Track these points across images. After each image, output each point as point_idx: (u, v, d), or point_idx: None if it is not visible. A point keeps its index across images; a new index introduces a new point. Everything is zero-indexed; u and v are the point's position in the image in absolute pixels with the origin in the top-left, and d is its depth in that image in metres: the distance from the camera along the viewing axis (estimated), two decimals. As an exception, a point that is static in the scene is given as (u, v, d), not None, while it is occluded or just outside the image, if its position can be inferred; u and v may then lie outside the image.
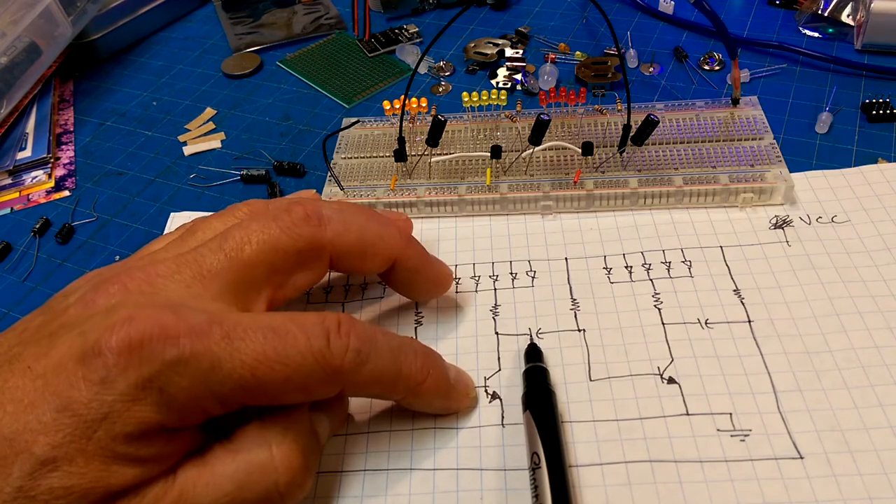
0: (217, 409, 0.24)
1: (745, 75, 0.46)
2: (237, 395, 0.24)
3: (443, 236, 0.39)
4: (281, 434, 0.25)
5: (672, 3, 0.53)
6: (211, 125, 0.50)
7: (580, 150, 0.39)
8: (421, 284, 0.33)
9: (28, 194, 0.47)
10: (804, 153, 0.41)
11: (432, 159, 0.41)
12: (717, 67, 0.49)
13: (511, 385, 0.31)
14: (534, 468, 0.26)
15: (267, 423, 0.25)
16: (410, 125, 0.44)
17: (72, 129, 0.52)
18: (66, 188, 0.47)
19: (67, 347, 0.23)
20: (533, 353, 0.31)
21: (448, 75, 0.52)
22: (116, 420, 0.22)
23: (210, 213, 0.31)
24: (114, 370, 0.22)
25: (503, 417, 0.30)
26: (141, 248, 0.31)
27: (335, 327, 0.25)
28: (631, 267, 0.36)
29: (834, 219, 0.37)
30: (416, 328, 0.34)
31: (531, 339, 0.33)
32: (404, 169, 0.41)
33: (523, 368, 0.31)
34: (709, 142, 0.40)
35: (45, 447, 0.22)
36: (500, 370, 0.32)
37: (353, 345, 0.25)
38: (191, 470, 0.24)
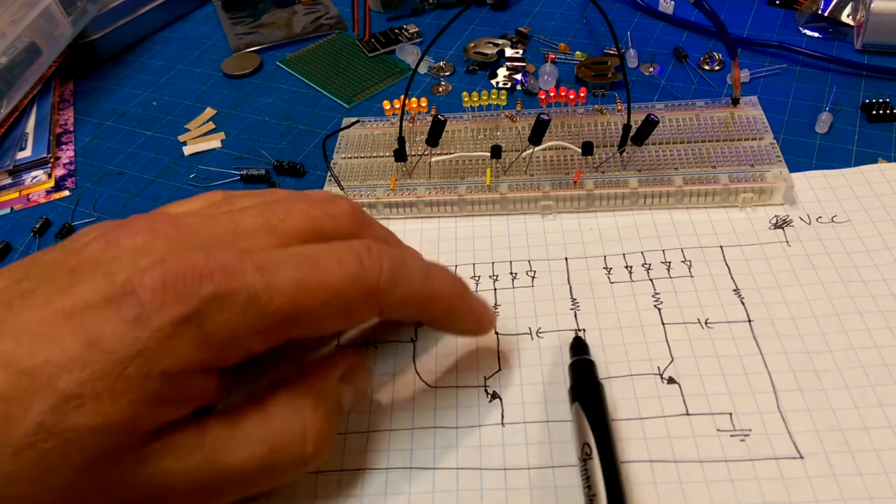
0: (258, 344, 0.24)
1: (745, 75, 0.46)
2: (278, 326, 0.24)
3: (443, 236, 0.39)
4: (312, 405, 0.26)
5: (672, 3, 0.53)
6: (211, 125, 0.50)
7: (580, 150, 0.39)
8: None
9: (28, 194, 0.47)
10: (804, 153, 0.41)
11: (432, 159, 0.41)
12: (717, 67, 0.49)
13: (511, 385, 0.31)
14: (585, 459, 0.26)
15: (298, 391, 0.26)
16: (410, 125, 0.44)
17: (72, 129, 0.53)
18: (66, 188, 0.47)
19: (92, 287, 0.22)
20: (579, 347, 0.31)
21: (448, 75, 0.52)
22: (151, 357, 0.21)
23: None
24: (148, 307, 0.21)
25: (503, 417, 0.30)
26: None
27: (366, 251, 0.25)
28: (631, 267, 0.36)
29: (834, 219, 0.37)
30: (416, 327, 0.34)
31: (576, 332, 0.33)
32: (404, 169, 0.41)
33: (568, 362, 0.30)
34: (709, 142, 0.40)
35: (71, 382, 0.21)
36: (499, 370, 0.32)
37: (385, 265, 0.25)
38: (221, 429, 0.24)
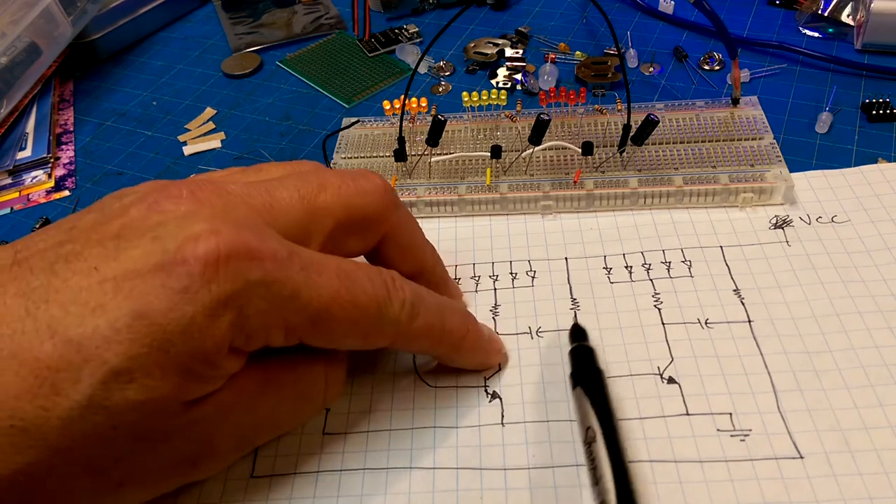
0: (279, 338, 0.24)
1: (745, 75, 0.46)
2: (304, 328, 0.24)
3: (443, 236, 0.39)
4: (328, 358, 0.28)
5: (672, 3, 0.53)
6: (211, 125, 0.50)
7: (580, 150, 0.39)
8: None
9: (28, 194, 0.47)
10: (804, 153, 0.41)
11: (432, 159, 0.41)
12: (717, 67, 0.49)
13: (511, 385, 0.31)
14: (589, 442, 0.26)
15: (315, 350, 0.26)
16: (410, 125, 0.44)
17: (72, 129, 0.53)
18: (66, 188, 0.47)
19: (142, 252, 0.22)
20: (578, 333, 0.31)
21: (448, 75, 0.52)
22: (195, 335, 0.21)
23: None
24: (198, 280, 0.21)
25: (503, 417, 0.30)
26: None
27: (391, 281, 0.26)
28: (631, 267, 0.36)
29: (834, 219, 0.37)
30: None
31: (574, 319, 0.33)
32: (404, 169, 0.41)
33: (569, 348, 0.31)
34: (709, 142, 0.40)
35: (121, 357, 0.20)
36: (499, 370, 0.32)
37: (408, 297, 0.26)
38: (255, 384, 0.25)
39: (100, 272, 0.21)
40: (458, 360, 0.31)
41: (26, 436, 0.20)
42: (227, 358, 0.23)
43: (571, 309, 0.34)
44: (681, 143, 0.41)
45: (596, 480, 0.25)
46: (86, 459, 0.21)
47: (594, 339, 0.33)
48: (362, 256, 0.30)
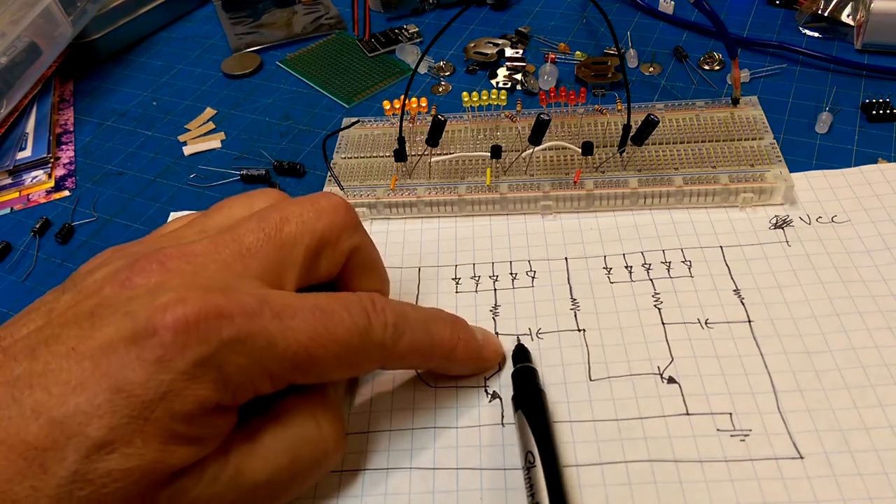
0: (267, 387, 0.24)
1: (745, 75, 0.46)
2: (289, 372, 0.24)
3: (443, 236, 0.39)
4: (322, 407, 0.27)
5: (672, 3, 0.53)
6: (211, 125, 0.50)
7: (580, 150, 0.39)
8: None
9: (28, 194, 0.47)
10: (804, 153, 0.41)
11: (432, 159, 0.41)
12: (717, 67, 0.49)
13: (511, 385, 0.31)
14: (528, 467, 0.26)
15: (306, 397, 0.26)
16: (410, 125, 0.44)
17: (72, 129, 0.53)
18: (66, 188, 0.47)
19: (115, 329, 0.22)
20: (521, 354, 0.31)
21: (448, 75, 0.52)
22: (175, 399, 0.22)
23: (225, 200, 0.30)
24: (171, 349, 0.22)
25: (503, 417, 0.30)
26: (154, 230, 0.31)
27: (371, 305, 0.26)
28: (631, 267, 0.36)
29: (834, 219, 0.37)
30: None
31: (517, 340, 0.33)
32: (404, 169, 0.41)
33: (512, 370, 0.31)
34: (709, 142, 0.40)
35: (102, 429, 0.21)
36: (500, 370, 0.32)
37: (390, 320, 0.26)
38: (242, 447, 0.24)
39: (77, 352, 0.22)
40: (453, 369, 0.31)
41: None
42: (215, 416, 0.23)
43: (571, 309, 0.34)
44: (681, 143, 0.41)
45: None
46: None
47: (594, 339, 0.33)
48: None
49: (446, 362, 0.30)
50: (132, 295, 0.23)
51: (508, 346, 0.33)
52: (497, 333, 0.33)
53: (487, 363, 0.32)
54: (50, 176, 0.48)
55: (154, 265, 0.24)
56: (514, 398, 0.29)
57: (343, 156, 0.43)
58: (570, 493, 0.27)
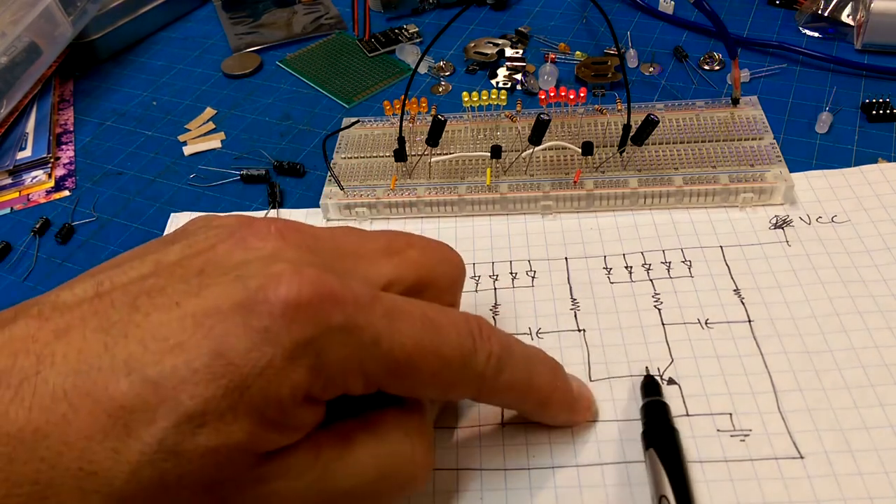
0: (359, 386, 0.22)
1: (745, 75, 0.46)
2: (383, 376, 0.23)
3: (443, 236, 0.39)
4: (418, 428, 0.25)
5: (672, 3, 0.53)
6: (211, 125, 0.50)
7: (580, 150, 0.39)
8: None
9: (28, 194, 0.47)
10: (804, 153, 0.41)
11: (432, 159, 0.41)
12: (717, 67, 0.49)
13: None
14: None
15: (405, 413, 0.25)
16: (410, 125, 0.44)
17: (72, 129, 0.52)
18: (66, 188, 0.47)
19: (223, 290, 0.21)
20: (651, 387, 0.29)
21: (448, 75, 0.52)
22: (271, 379, 0.20)
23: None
24: (279, 321, 0.20)
25: (503, 417, 0.30)
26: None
27: (478, 330, 0.24)
28: (631, 267, 0.36)
29: (834, 219, 0.37)
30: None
31: (647, 370, 0.31)
32: (404, 169, 0.41)
33: (640, 403, 0.29)
34: (709, 142, 0.40)
35: (196, 399, 0.19)
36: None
37: (495, 350, 0.24)
38: (333, 450, 0.23)
39: (181, 308, 0.21)
40: (543, 416, 0.29)
41: (93, 480, 0.19)
42: (303, 406, 0.21)
43: (571, 309, 0.34)
44: (681, 143, 0.41)
45: None
46: None
47: (594, 339, 0.33)
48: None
49: (540, 408, 0.28)
50: (246, 258, 0.22)
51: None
52: (587, 386, 0.31)
53: (578, 417, 0.29)
54: (50, 176, 0.48)
55: (273, 230, 0.23)
56: (644, 434, 0.28)
57: (343, 156, 0.43)
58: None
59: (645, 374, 0.31)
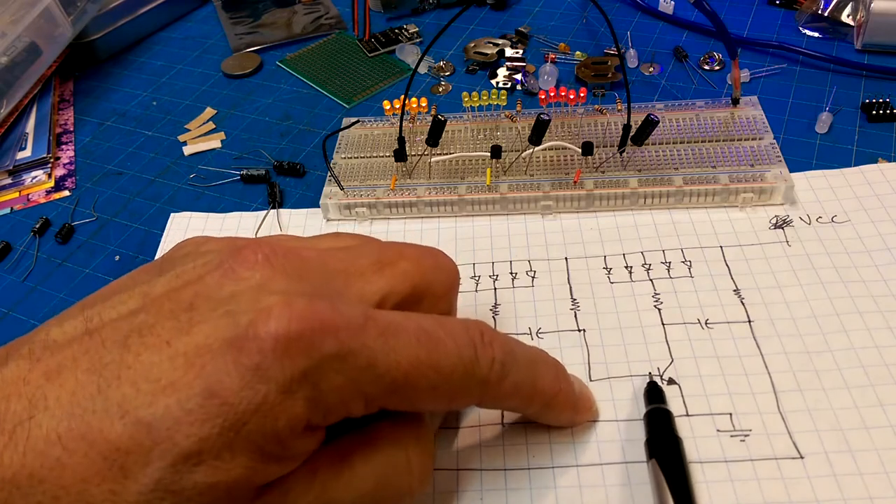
0: (359, 409, 0.23)
1: (745, 75, 0.46)
2: (384, 396, 0.23)
3: (443, 236, 0.39)
4: (415, 438, 0.25)
5: (672, 3, 0.53)
6: (211, 125, 0.50)
7: (580, 150, 0.39)
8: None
9: (28, 194, 0.47)
10: (804, 153, 0.41)
11: (432, 159, 0.41)
12: (717, 67, 0.49)
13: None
14: None
15: (399, 424, 0.25)
16: (410, 125, 0.44)
17: (72, 129, 0.52)
18: (66, 188, 0.47)
19: (214, 327, 0.21)
20: (654, 394, 0.29)
21: (448, 75, 0.52)
22: (268, 414, 0.20)
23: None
24: (270, 357, 0.20)
25: (503, 417, 0.30)
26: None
27: (479, 337, 0.24)
28: (631, 267, 0.36)
29: (834, 219, 0.37)
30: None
31: (650, 377, 0.31)
32: (404, 169, 0.41)
33: (643, 407, 0.29)
34: (709, 142, 0.40)
35: (191, 438, 0.19)
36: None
37: (497, 356, 0.24)
38: (329, 467, 0.23)
39: (171, 347, 0.21)
40: (548, 418, 0.29)
41: None
42: (303, 436, 0.21)
43: (571, 309, 0.34)
44: (681, 143, 0.41)
45: None
46: None
47: (594, 339, 0.33)
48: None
49: (545, 409, 0.28)
50: (235, 290, 0.22)
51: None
52: (587, 386, 0.31)
53: (581, 417, 0.29)
54: (50, 176, 0.48)
55: (259, 257, 0.23)
56: (647, 443, 0.28)
57: (343, 156, 0.43)
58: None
59: (648, 379, 0.30)
